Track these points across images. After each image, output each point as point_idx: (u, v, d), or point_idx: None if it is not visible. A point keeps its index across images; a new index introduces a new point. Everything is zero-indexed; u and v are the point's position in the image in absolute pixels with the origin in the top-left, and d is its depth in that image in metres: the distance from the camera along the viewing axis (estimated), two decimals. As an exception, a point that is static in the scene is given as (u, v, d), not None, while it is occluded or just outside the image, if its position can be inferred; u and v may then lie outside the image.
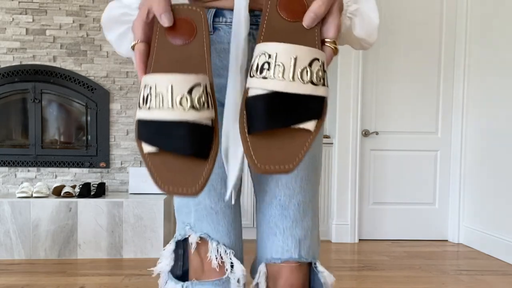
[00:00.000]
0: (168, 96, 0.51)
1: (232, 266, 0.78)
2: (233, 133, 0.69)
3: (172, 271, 0.81)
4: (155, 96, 0.52)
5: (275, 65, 0.53)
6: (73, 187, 2.90)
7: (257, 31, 0.77)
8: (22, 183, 3.03)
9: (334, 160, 3.22)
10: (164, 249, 0.82)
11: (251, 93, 0.55)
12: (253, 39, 0.73)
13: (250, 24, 0.71)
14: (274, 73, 0.53)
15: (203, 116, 0.53)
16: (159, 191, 2.54)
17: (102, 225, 2.71)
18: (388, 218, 3.29)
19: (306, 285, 0.80)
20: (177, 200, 0.83)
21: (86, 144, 3.15)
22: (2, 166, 3.09)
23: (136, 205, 2.72)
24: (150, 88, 0.53)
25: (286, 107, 0.53)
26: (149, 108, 0.53)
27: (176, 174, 0.52)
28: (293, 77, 0.52)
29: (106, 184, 3.04)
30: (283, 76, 0.52)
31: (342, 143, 3.18)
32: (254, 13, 0.73)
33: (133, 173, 3.01)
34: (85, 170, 3.13)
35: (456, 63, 3.25)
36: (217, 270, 0.77)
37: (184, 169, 0.53)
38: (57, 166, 3.11)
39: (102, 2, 3.11)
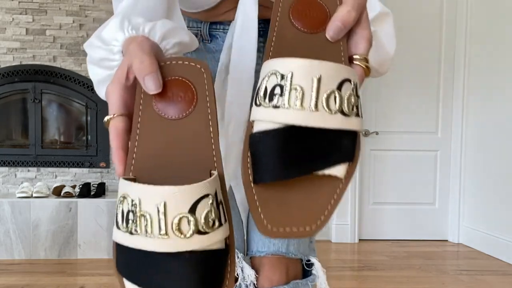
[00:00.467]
0: (160, 219, 0.36)
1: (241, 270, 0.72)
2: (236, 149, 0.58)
3: None
4: (140, 217, 0.36)
5: (290, 89, 0.38)
6: (73, 187, 2.90)
7: (259, 39, 0.68)
8: (22, 183, 3.03)
9: (334, 160, 3.22)
10: None
11: (258, 127, 0.40)
12: (257, 50, 0.65)
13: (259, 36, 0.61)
14: (289, 100, 0.38)
15: (213, 240, 0.37)
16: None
17: (102, 225, 2.71)
18: (388, 218, 3.29)
19: (288, 280, 0.73)
20: None
21: (86, 144, 3.15)
22: (2, 166, 3.09)
23: (136, 205, 2.73)
24: (133, 203, 0.37)
25: (306, 148, 0.39)
26: (131, 232, 0.37)
27: None
28: (316, 106, 0.38)
29: (106, 184, 3.04)
30: (301, 105, 0.38)
31: (342, 143, 3.18)
32: (259, 24, 0.65)
33: (133, 173, 3.01)
34: (85, 170, 3.13)
35: (456, 63, 3.25)
36: None
37: None
38: (57, 166, 3.11)
39: (102, 2, 3.11)
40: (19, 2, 3.07)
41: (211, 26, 0.69)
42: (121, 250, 0.39)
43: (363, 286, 2.21)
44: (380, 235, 3.29)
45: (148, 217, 0.36)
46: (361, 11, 0.46)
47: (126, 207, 0.38)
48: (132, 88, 0.45)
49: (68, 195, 2.77)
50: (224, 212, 0.40)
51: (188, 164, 0.42)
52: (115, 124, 0.43)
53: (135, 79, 0.44)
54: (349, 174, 0.41)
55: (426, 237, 3.29)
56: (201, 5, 0.67)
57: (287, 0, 0.48)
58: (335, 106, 0.38)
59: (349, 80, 0.40)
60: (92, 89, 3.10)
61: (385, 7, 0.59)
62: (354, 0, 0.45)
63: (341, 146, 0.40)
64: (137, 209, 0.36)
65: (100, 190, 2.85)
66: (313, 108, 0.38)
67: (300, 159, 0.39)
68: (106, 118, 0.45)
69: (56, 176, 3.12)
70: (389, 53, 0.61)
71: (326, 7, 0.47)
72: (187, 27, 0.69)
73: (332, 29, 0.45)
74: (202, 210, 0.37)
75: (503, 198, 2.75)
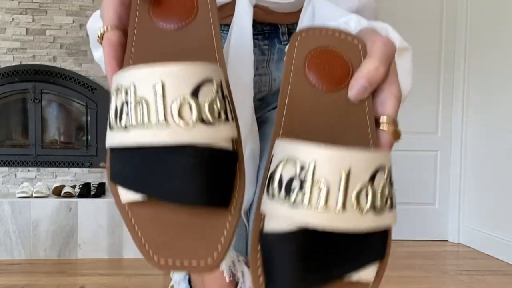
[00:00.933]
0: (157, 103, 0.31)
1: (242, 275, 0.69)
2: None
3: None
4: (135, 105, 0.31)
5: (312, 184, 0.31)
6: (73, 187, 2.90)
7: (263, 42, 0.65)
8: (22, 183, 3.03)
9: (334, 160, 3.22)
10: None
11: (271, 225, 0.34)
12: (259, 52, 0.61)
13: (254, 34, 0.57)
14: (310, 199, 0.31)
15: (219, 135, 0.32)
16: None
17: (102, 225, 2.71)
18: (388, 218, 3.28)
19: None
20: None
21: (86, 144, 3.15)
22: (2, 166, 3.09)
23: (136, 205, 2.72)
24: (126, 92, 0.32)
25: (330, 253, 0.32)
26: (125, 127, 0.32)
27: (177, 236, 0.32)
28: (343, 205, 0.31)
29: (106, 184, 3.04)
30: (326, 204, 0.31)
31: (342, 143, 3.18)
32: (256, 26, 0.62)
33: (133, 173, 3.01)
34: (85, 170, 3.13)
35: (456, 63, 3.25)
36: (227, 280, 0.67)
37: (191, 228, 0.32)
38: (57, 166, 3.11)
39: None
40: (19, 2, 3.07)
41: None
42: (115, 157, 0.34)
43: (363, 286, 2.21)
44: (380, 235, 3.29)
45: (144, 103, 0.31)
46: (390, 64, 0.39)
47: (119, 100, 0.32)
48: (129, 3, 0.41)
49: (68, 195, 2.77)
50: (230, 108, 0.34)
51: None
52: (108, 36, 0.39)
53: None
54: (380, 273, 0.35)
55: (426, 237, 3.29)
56: None
57: (301, 51, 0.41)
58: (366, 203, 0.32)
59: (383, 168, 0.33)
60: (92, 89, 3.10)
61: (404, 41, 0.51)
62: (382, 52, 0.38)
63: (371, 245, 0.34)
64: (132, 97, 0.31)
65: (100, 190, 2.85)
66: (340, 209, 0.31)
67: (323, 266, 0.32)
68: (99, 32, 0.40)
69: (56, 176, 3.12)
70: (404, 91, 0.58)
71: (348, 60, 0.40)
72: None
73: (357, 88, 0.38)
74: (206, 95, 0.31)
75: (503, 198, 2.75)
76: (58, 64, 3.09)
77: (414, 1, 3.25)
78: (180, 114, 0.30)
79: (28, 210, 2.67)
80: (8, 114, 3.13)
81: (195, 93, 0.31)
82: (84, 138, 3.17)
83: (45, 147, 3.11)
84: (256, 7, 0.60)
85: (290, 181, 0.32)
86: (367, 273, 0.34)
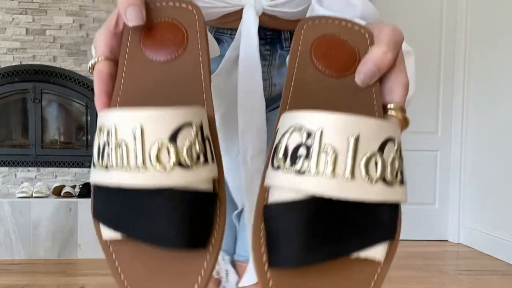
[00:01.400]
0: (137, 147, 0.31)
1: (226, 274, 0.69)
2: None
3: None
4: (116, 147, 0.32)
5: (319, 151, 0.30)
6: (73, 187, 2.90)
7: (265, 47, 0.65)
8: (22, 183, 3.03)
9: (334, 160, 3.22)
10: None
11: (275, 197, 0.33)
12: (260, 57, 0.60)
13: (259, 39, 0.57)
14: (317, 165, 0.30)
15: (197, 178, 0.32)
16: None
17: (102, 225, 2.71)
18: (388, 218, 3.29)
19: None
20: None
21: (86, 144, 3.15)
22: (2, 166, 3.09)
23: (136, 205, 2.73)
24: (108, 133, 0.32)
25: (337, 225, 0.31)
26: (106, 167, 0.33)
27: (156, 274, 0.32)
28: (352, 173, 0.30)
29: (106, 184, 3.04)
30: (334, 171, 0.30)
31: (342, 143, 3.18)
32: (258, 31, 0.62)
33: (133, 173, 3.01)
34: (85, 170, 3.13)
35: (456, 63, 3.25)
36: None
37: (169, 266, 0.32)
38: (57, 166, 3.11)
39: (102, 2, 3.11)
40: (19, 2, 3.07)
41: (217, 30, 0.67)
42: (97, 193, 0.35)
43: (363, 286, 2.21)
44: (380, 235, 3.29)
45: (124, 146, 0.31)
46: (398, 51, 0.38)
47: (102, 140, 0.34)
48: (122, 36, 0.41)
49: (68, 195, 2.77)
50: (211, 150, 0.34)
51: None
52: (99, 68, 0.40)
53: (125, 26, 0.41)
54: (390, 255, 0.33)
55: (426, 237, 3.29)
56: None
57: (308, 37, 0.41)
58: (376, 173, 0.31)
59: (393, 140, 0.32)
60: (92, 89, 3.09)
61: (407, 45, 0.50)
62: (390, 38, 0.38)
63: (380, 221, 0.32)
64: (113, 139, 0.32)
65: (100, 190, 2.85)
66: (349, 176, 0.30)
67: (330, 239, 0.31)
68: (90, 63, 0.41)
69: (56, 176, 3.12)
70: (407, 95, 0.56)
71: (355, 47, 0.40)
72: None
73: (364, 72, 0.38)
74: (184, 139, 0.31)
75: (503, 198, 2.75)
76: (58, 64, 3.09)
77: (414, 1, 3.25)
78: (158, 159, 0.31)
79: (28, 210, 2.67)
80: (8, 114, 3.13)
81: (173, 138, 0.31)
82: (84, 138, 3.17)
83: (45, 147, 3.11)
84: (263, 15, 0.59)
85: (296, 149, 0.31)
86: (377, 251, 0.32)
